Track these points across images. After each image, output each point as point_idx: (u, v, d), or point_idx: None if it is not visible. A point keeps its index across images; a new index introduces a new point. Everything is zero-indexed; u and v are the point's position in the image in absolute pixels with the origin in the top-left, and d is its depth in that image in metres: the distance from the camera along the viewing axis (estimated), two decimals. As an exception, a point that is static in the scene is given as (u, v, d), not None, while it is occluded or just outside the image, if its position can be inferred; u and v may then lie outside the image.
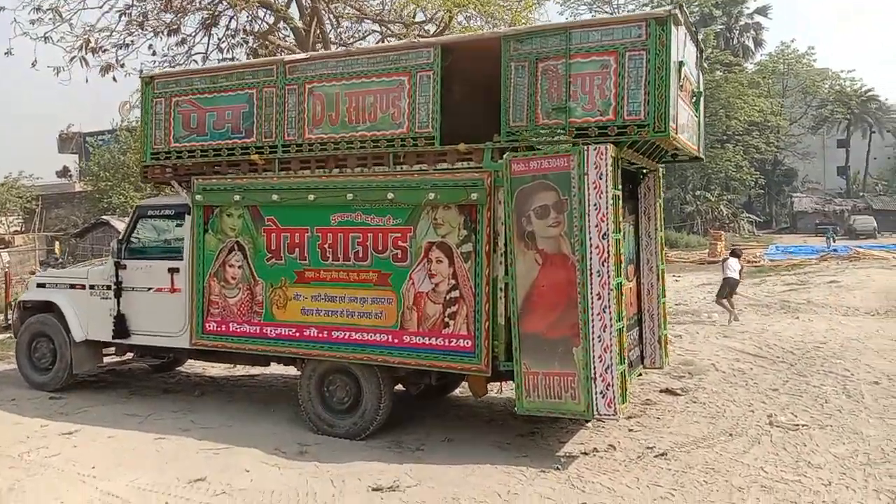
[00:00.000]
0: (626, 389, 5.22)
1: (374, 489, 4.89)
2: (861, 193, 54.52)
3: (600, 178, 5.05)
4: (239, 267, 6.43)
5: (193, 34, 12.59)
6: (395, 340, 5.83)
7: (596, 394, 5.06)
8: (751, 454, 5.36)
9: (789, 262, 24.19)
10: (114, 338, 7.14)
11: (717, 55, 45.79)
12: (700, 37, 6.06)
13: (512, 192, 5.32)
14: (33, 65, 10.02)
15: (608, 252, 5.04)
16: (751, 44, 51.90)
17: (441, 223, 5.69)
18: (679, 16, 5.16)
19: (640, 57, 5.08)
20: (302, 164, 6.26)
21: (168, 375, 8.54)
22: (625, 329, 5.27)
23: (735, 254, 13.43)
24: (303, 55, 6.51)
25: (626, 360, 5.22)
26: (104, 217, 26.34)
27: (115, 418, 6.66)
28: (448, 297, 5.66)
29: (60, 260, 24.37)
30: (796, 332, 10.02)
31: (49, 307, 7.57)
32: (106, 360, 8.10)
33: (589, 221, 5.08)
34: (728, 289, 12.28)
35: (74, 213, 34.68)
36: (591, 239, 5.07)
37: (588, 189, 5.07)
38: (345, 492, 4.88)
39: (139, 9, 11.82)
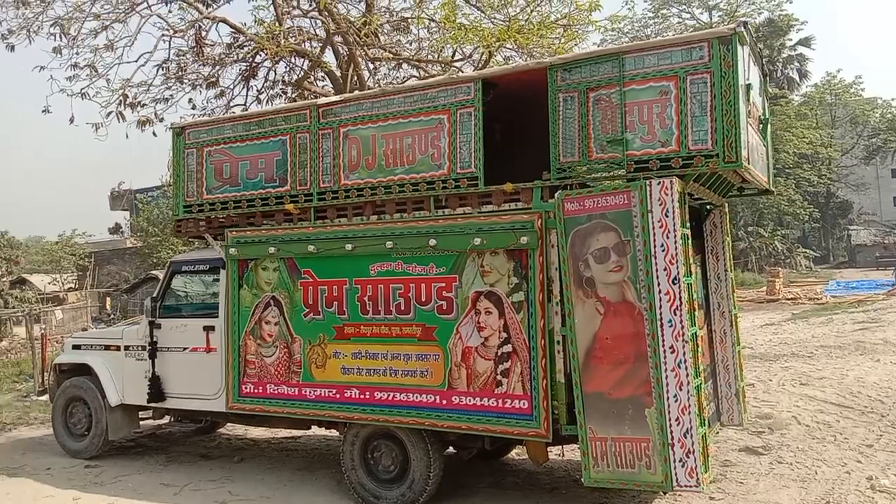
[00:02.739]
0: (708, 456, 4.58)
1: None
2: (921, 223, 52.37)
3: (666, 216, 4.52)
4: (276, 323, 6.02)
5: (232, 86, 12.56)
6: (444, 401, 5.31)
7: (675, 462, 4.44)
8: (856, 527, 4.66)
9: (854, 298, 22.96)
10: (148, 401, 6.77)
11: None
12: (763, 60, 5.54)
13: (566, 234, 4.81)
14: (71, 121, 10.04)
15: (680, 298, 4.47)
16: (795, 75, 50.82)
17: (489, 271, 5.20)
18: (745, 34, 4.67)
19: (704, 80, 4.57)
20: (338, 212, 5.87)
21: (208, 438, 8.13)
22: (703, 386, 4.65)
23: None
24: (336, 97, 6.19)
25: (706, 422, 4.60)
26: (153, 272, 26.57)
27: (150, 489, 6.25)
28: (500, 353, 5.14)
29: (112, 316, 24.59)
30: (880, 376, 9.14)
31: (85, 369, 7.27)
32: (146, 423, 7.78)
33: (656, 265, 4.52)
34: None
35: (125, 269, 35.29)
36: (659, 284, 4.51)
37: (653, 228, 4.54)
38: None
39: (177, 63, 11.82)
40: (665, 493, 5.20)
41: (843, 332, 14.67)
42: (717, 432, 6.22)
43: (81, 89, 9.62)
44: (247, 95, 12.64)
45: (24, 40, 9.41)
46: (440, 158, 5.39)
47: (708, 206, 6.16)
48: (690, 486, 4.43)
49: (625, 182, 4.69)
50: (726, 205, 6.25)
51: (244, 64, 12.55)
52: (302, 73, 11.61)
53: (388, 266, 5.56)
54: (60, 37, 9.41)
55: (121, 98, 10.21)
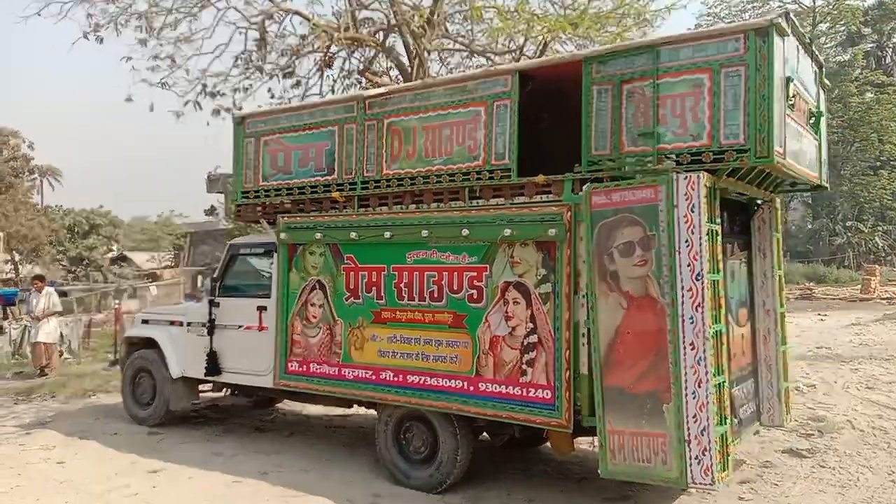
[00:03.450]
0: (728, 455, 4.51)
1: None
2: None
3: (692, 211, 4.45)
4: (320, 306, 6.29)
5: (308, 76, 12.92)
6: (471, 388, 5.43)
7: (690, 459, 4.40)
8: (887, 537, 4.50)
9: (957, 300, 21.56)
10: (206, 375, 7.20)
11: (867, 75, 42.49)
12: (815, 50, 5.32)
13: (593, 227, 4.82)
14: (151, 109, 10.68)
15: (703, 295, 4.41)
16: (907, 62, 47.63)
17: (518, 262, 5.27)
18: (784, 26, 4.52)
19: (738, 73, 4.47)
20: (380, 201, 6.06)
21: (266, 413, 8.55)
22: (726, 384, 4.58)
23: None
24: (382, 90, 6.37)
25: (727, 421, 4.53)
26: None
27: (202, 457, 6.66)
28: (525, 343, 5.21)
29: (203, 293, 25.80)
30: (958, 384, 8.63)
31: (152, 343, 7.79)
32: (206, 395, 8.26)
33: (680, 260, 4.48)
34: None
35: (219, 250, 36.94)
36: (682, 280, 4.47)
37: (678, 223, 4.49)
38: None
39: (250, 54, 12.26)
40: (683, 490, 5.15)
41: (937, 337, 13.86)
42: (756, 432, 6.08)
43: (161, 79, 10.19)
44: (321, 85, 12.98)
45: (113, 32, 10.06)
46: (476, 150, 5.48)
47: (757, 202, 5.99)
48: (705, 484, 4.39)
49: (653, 176, 4.65)
50: (777, 200, 6.05)
51: (319, 54, 12.89)
52: (367, 62, 11.85)
53: (424, 254, 5.72)
54: (145, 30, 10.01)
55: (200, 88, 10.74)
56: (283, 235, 6.52)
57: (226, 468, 6.31)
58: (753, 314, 6.01)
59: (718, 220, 4.63)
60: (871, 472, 5.72)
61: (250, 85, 12.29)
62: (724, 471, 4.46)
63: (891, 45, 47.59)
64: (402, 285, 5.82)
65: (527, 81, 5.43)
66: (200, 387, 7.85)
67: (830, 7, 44.29)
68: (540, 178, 5.24)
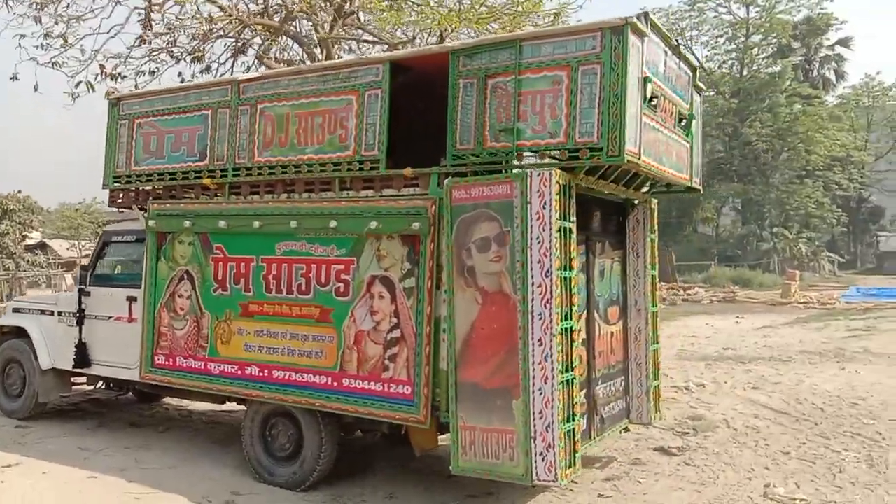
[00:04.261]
0: (576, 452, 4.51)
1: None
2: (957, 233, 50.79)
3: (544, 208, 4.42)
4: (187, 297, 6.06)
5: (219, 61, 12.59)
6: (335, 383, 5.31)
7: (535, 455, 4.38)
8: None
9: (864, 306, 22.45)
10: (74, 367, 6.89)
11: (794, 87, 43.95)
12: (685, 52, 5.36)
13: (452, 221, 4.76)
14: (35, 89, 10.18)
15: (551, 292, 4.38)
16: (832, 76, 49.53)
17: (385, 255, 5.17)
18: (641, 25, 4.52)
19: (594, 72, 4.45)
20: (252, 189, 5.88)
21: (147, 407, 8.25)
22: (576, 381, 4.57)
23: None
24: (256, 74, 6.19)
25: (576, 418, 4.53)
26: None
27: (65, 452, 6.36)
28: (389, 338, 5.11)
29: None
30: (837, 385, 8.93)
31: (23, 332, 7.42)
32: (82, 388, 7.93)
33: (531, 256, 4.45)
34: None
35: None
36: (532, 276, 4.44)
37: (531, 220, 4.45)
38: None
39: (167, 37, 11.88)
40: (546, 487, 5.13)
41: (831, 339, 14.39)
42: (626, 429, 6.12)
43: (51, 58, 9.74)
44: (232, 70, 12.68)
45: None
46: (347, 139, 5.36)
47: (633, 203, 6.03)
48: (549, 481, 4.37)
49: (510, 173, 4.61)
50: (652, 201, 6.11)
51: (231, 40, 12.57)
52: (281, 50, 11.61)
53: (293, 246, 5.56)
54: (37, 6, 9.53)
55: (99, 69, 10.32)
56: (151, 223, 6.27)
57: (86, 464, 6.04)
58: (626, 313, 6.06)
59: (573, 218, 4.61)
60: (732, 470, 5.82)
61: (157, 68, 11.91)
62: (569, 468, 4.45)
63: (818, 59, 49.38)
64: (270, 277, 5.65)
65: (400, 72, 5.33)
66: (79, 380, 7.52)
67: (763, 20, 45.68)
68: (407, 171, 5.15)
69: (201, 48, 12.04)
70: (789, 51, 46.41)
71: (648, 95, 4.65)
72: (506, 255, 4.55)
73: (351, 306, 5.27)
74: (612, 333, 5.82)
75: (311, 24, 11.47)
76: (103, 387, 7.55)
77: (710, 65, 49.40)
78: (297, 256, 5.53)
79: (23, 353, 7.34)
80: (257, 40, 13.04)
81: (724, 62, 48.90)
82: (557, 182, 4.44)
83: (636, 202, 6.04)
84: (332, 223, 5.34)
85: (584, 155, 4.48)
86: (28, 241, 32.11)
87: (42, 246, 34.15)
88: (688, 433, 6.89)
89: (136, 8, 10.20)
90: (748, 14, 46.33)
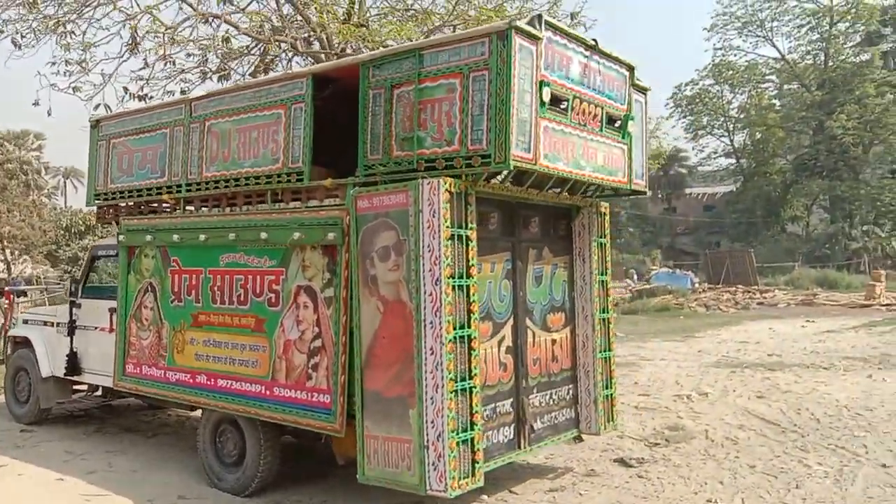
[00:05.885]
0: (476, 462, 4.46)
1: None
2: None
3: (433, 216, 4.41)
4: (151, 308, 6.36)
5: (245, 78, 13.02)
6: (267, 392, 5.44)
7: (428, 465, 4.36)
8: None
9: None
10: (66, 375, 7.34)
11: (885, 76, 41.43)
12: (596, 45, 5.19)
13: (358, 231, 4.81)
14: (49, 114, 10.82)
15: (441, 301, 4.36)
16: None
17: (308, 265, 5.28)
18: (531, 28, 4.43)
19: (483, 78, 4.42)
20: (202, 204, 6.12)
21: (151, 414, 8.64)
22: (476, 389, 4.51)
23: None
24: (204, 92, 6.43)
25: (475, 427, 4.47)
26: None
27: (51, 455, 6.77)
28: (312, 347, 5.20)
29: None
30: (852, 394, 8.37)
31: (28, 342, 7.95)
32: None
33: (423, 265, 4.44)
34: None
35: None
36: (424, 285, 4.43)
37: (423, 228, 4.45)
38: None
39: (199, 57, 12.39)
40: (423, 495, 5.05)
41: (889, 344, 13.52)
42: (577, 438, 5.95)
43: (70, 83, 10.37)
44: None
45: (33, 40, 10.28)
46: (277, 153, 5.50)
47: (578, 208, 5.90)
48: (439, 492, 4.33)
49: (406, 182, 4.62)
50: (601, 205, 5.96)
51: (255, 57, 12.98)
52: (289, 64, 11.94)
53: (234, 258, 5.75)
54: (60, 37, 10.20)
55: (113, 93, 10.91)
56: (121, 238, 6.61)
57: (63, 467, 6.41)
58: (574, 320, 5.93)
59: (472, 225, 4.57)
60: (683, 484, 5.58)
61: (187, 88, 12.44)
62: (465, 478, 4.40)
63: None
64: (215, 288, 5.86)
65: (326, 84, 5.43)
66: (82, 387, 7.99)
67: (849, 6, 43.29)
68: (327, 182, 5.23)
69: (227, 67, 12.51)
70: (878, 37, 43.81)
71: (546, 99, 4.56)
72: (403, 263, 4.56)
73: (280, 316, 5.40)
74: (553, 340, 5.70)
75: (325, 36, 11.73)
76: (99, 394, 7.98)
77: (792, 56, 47.24)
78: (237, 268, 5.72)
79: (27, 361, 7.87)
80: (284, 55, 13.42)
81: (807, 52, 46.67)
82: (448, 190, 4.42)
83: (581, 207, 5.90)
84: (263, 234, 5.49)
85: (475, 163, 4.44)
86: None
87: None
88: (658, 444, 6.64)
89: (148, 32, 10.73)
90: (832, 1, 44.02)
